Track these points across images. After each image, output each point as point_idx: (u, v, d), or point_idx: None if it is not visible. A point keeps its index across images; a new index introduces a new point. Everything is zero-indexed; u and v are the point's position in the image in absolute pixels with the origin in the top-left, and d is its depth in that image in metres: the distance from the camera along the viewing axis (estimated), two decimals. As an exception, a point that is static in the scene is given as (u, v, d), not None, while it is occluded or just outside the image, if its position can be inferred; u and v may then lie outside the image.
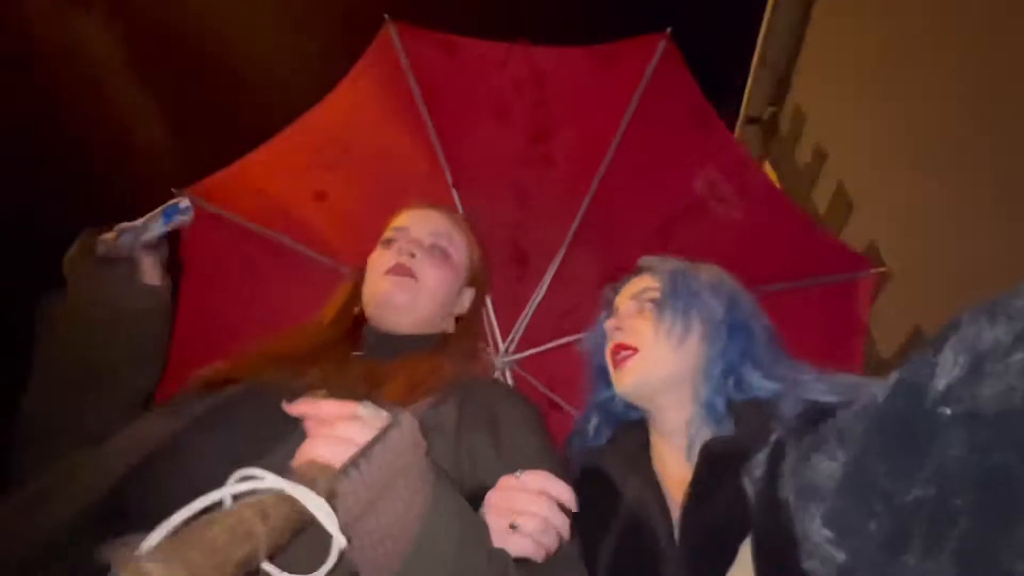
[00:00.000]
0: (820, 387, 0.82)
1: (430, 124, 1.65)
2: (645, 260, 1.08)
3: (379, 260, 0.99)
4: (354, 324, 1.01)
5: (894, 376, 0.47)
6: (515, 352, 1.87)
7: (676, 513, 0.82)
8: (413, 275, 0.95)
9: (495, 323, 1.84)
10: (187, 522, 0.39)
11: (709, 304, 0.96)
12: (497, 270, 1.85)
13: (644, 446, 0.96)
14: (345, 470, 0.49)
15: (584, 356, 1.13)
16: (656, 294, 0.98)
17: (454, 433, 0.78)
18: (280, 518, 0.42)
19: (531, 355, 1.85)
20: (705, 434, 0.87)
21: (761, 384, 0.88)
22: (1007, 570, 0.36)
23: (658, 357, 0.93)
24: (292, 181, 1.63)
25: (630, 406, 1.04)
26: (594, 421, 1.06)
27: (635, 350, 0.94)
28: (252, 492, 0.43)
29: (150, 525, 0.37)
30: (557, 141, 1.65)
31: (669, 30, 1.42)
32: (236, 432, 0.70)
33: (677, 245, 1.62)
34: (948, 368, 0.41)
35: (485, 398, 0.88)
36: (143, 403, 0.87)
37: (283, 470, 0.50)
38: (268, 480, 0.44)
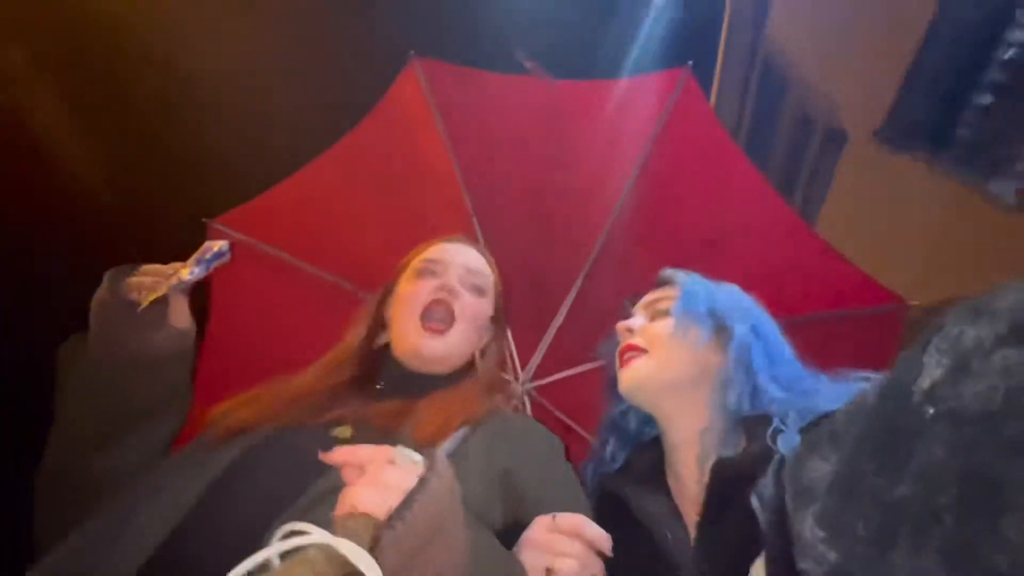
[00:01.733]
0: (829, 395, 0.82)
1: (452, 156, 1.69)
2: (666, 272, 1.08)
3: (415, 294, 0.96)
4: (374, 353, 0.99)
5: (883, 377, 0.48)
6: (534, 379, 1.88)
7: (693, 533, 0.82)
8: (452, 320, 0.94)
9: (514, 350, 1.84)
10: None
11: (729, 314, 0.95)
12: (516, 297, 1.86)
13: (658, 465, 0.95)
14: (389, 522, 0.50)
15: (601, 370, 1.13)
16: (671, 303, 0.98)
17: (484, 468, 0.79)
18: (328, 571, 0.43)
19: (550, 382, 1.84)
20: (717, 447, 0.86)
21: (777, 395, 0.86)
22: (990, 566, 0.37)
23: (666, 359, 0.92)
24: (319, 210, 1.67)
25: (643, 422, 1.03)
26: (610, 445, 1.05)
27: (643, 351, 0.93)
28: (298, 548, 0.44)
29: None
30: (577, 171, 1.68)
31: (690, 63, 1.44)
32: (264, 484, 0.70)
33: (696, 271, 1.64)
34: (932, 368, 0.42)
35: (511, 432, 0.89)
36: (168, 446, 0.86)
37: (326, 522, 0.51)
38: (315, 535, 0.45)
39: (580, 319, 1.83)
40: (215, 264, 0.84)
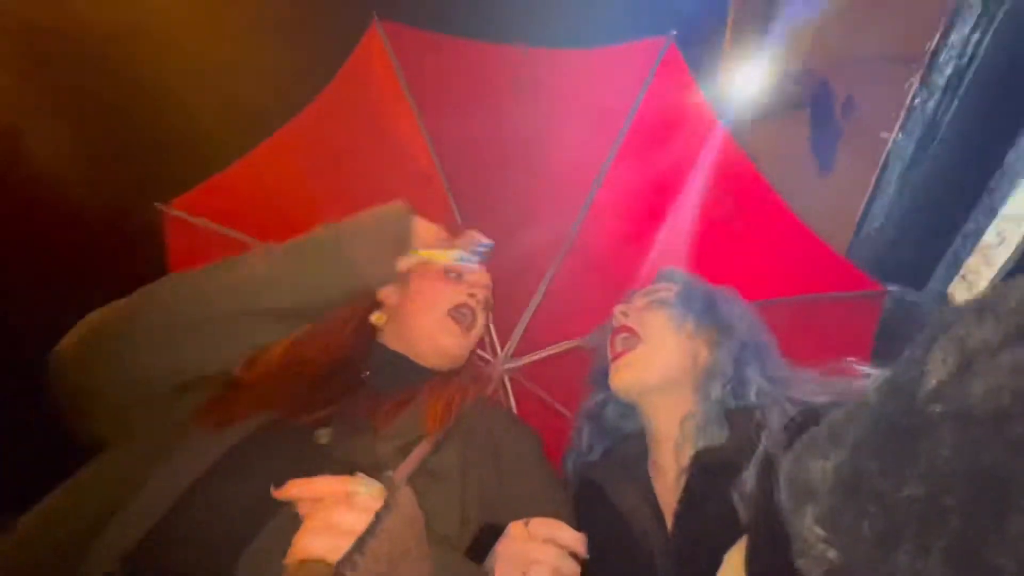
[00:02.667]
0: (812, 388, 0.84)
1: (423, 128, 1.59)
2: (667, 269, 1.10)
3: (445, 294, 0.97)
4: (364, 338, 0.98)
5: (884, 375, 0.48)
6: (514, 357, 1.86)
7: (670, 522, 0.83)
8: (473, 324, 1.00)
9: (493, 330, 1.81)
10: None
11: (722, 311, 0.96)
12: (494, 275, 1.82)
13: (641, 457, 0.97)
14: (339, 570, 0.47)
15: (586, 358, 1.14)
16: (668, 295, 0.99)
17: (459, 476, 0.78)
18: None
19: (530, 362, 1.82)
20: (700, 436, 0.87)
21: (763, 387, 0.88)
22: (996, 567, 0.37)
23: (659, 349, 0.93)
24: (282, 188, 1.57)
25: (622, 416, 1.04)
26: (586, 434, 1.06)
27: (638, 337, 0.94)
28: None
29: None
30: (555, 144, 1.60)
31: (674, 33, 1.35)
32: (248, 487, 0.68)
33: (678, 253, 1.60)
34: (937, 367, 0.42)
35: (488, 429, 0.89)
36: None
37: (280, 569, 0.48)
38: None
39: (559, 297, 1.80)
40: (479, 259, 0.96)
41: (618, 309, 1.01)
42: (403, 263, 0.91)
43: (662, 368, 0.92)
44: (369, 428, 0.79)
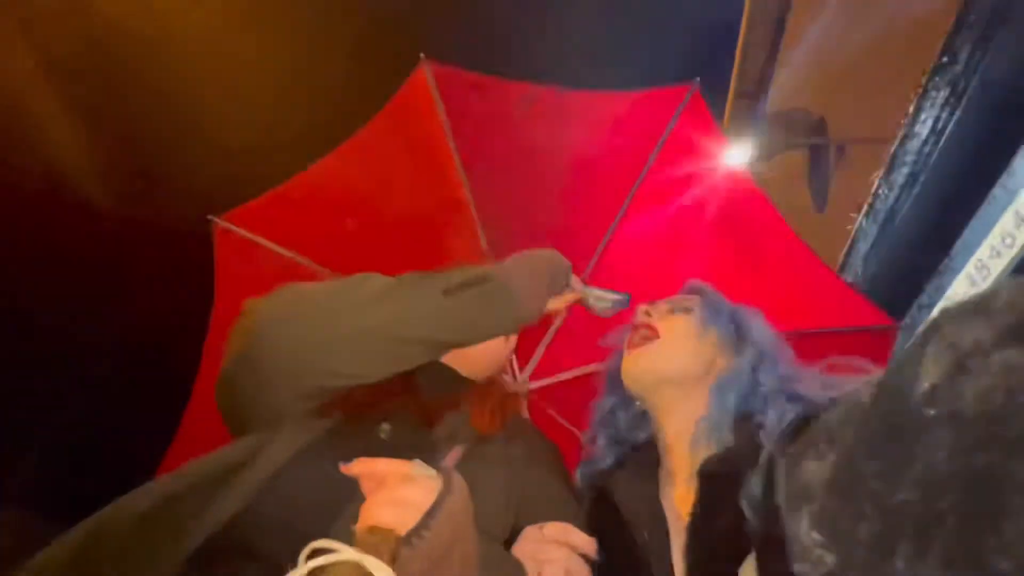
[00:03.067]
0: (815, 384, 0.84)
1: (458, 160, 1.70)
2: (694, 282, 1.11)
3: None
4: None
5: (878, 377, 0.48)
6: (531, 380, 1.91)
7: (675, 527, 0.83)
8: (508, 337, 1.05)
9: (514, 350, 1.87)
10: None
11: (745, 325, 0.97)
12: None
13: (652, 465, 0.96)
14: (408, 539, 0.53)
15: (590, 354, 1.14)
16: (690, 304, 1.00)
17: (503, 475, 0.84)
18: (354, 586, 0.46)
19: (548, 384, 1.88)
20: (709, 442, 0.87)
21: (772, 389, 0.88)
22: (994, 570, 0.37)
23: (676, 349, 0.93)
24: (327, 209, 1.68)
25: (633, 424, 1.03)
26: (600, 440, 1.05)
27: (657, 335, 0.94)
28: (325, 566, 0.48)
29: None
30: (580, 180, 1.70)
31: (698, 80, 1.46)
32: (323, 476, 0.72)
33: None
34: (930, 369, 0.41)
35: (520, 436, 0.96)
36: None
37: (348, 534, 0.54)
38: (342, 553, 0.48)
39: (578, 323, 1.86)
40: (614, 310, 1.02)
41: (641, 308, 1.01)
42: (553, 303, 0.98)
43: (677, 365, 0.92)
44: (423, 426, 0.86)
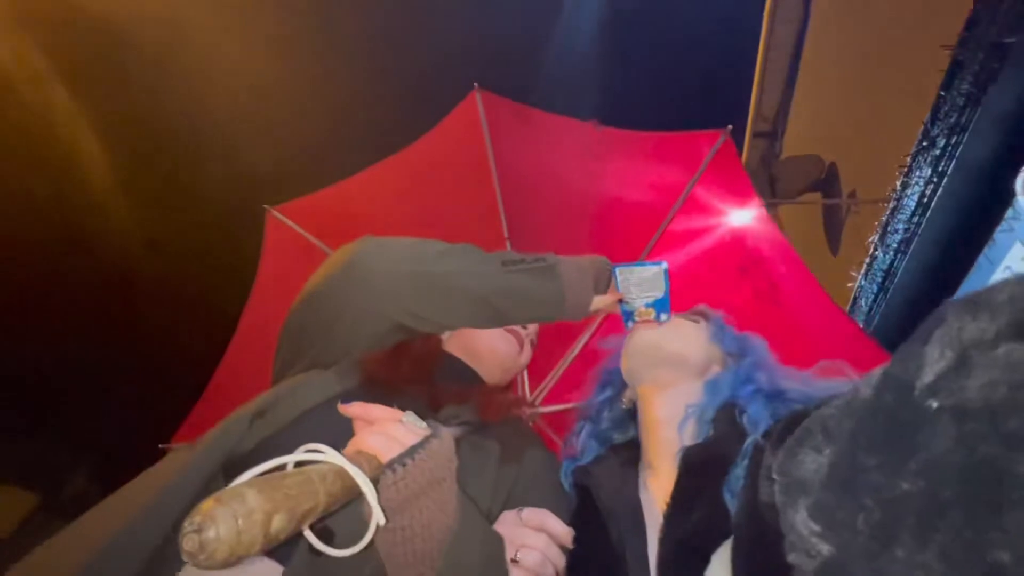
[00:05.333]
0: (797, 382, 0.85)
1: (497, 183, 1.81)
2: (701, 306, 1.12)
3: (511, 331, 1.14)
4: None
5: (880, 370, 0.47)
6: (541, 404, 1.92)
7: (654, 521, 0.82)
8: (521, 347, 1.13)
9: (525, 373, 1.90)
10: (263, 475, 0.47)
11: (750, 346, 0.98)
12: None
13: (632, 461, 0.95)
14: (390, 464, 0.57)
15: (597, 358, 1.14)
16: (696, 319, 1.03)
17: (498, 460, 0.86)
18: (336, 487, 0.50)
19: (556, 411, 1.88)
20: (693, 432, 0.87)
21: (757, 378, 0.89)
22: (993, 561, 0.36)
23: (682, 335, 0.97)
24: (370, 214, 1.81)
25: (616, 426, 1.04)
26: (582, 436, 1.06)
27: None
28: (314, 463, 0.52)
29: None
30: (611, 211, 1.77)
31: (730, 127, 1.54)
32: (337, 425, 0.75)
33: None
34: (934, 361, 0.41)
35: (519, 434, 0.98)
36: None
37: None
38: (329, 455, 0.53)
39: (592, 357, 1.88)
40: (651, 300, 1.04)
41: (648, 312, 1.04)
42: (597, 303, 1.02)
43: (681, 348, 0.95)
44: (429, 410, 0.89)
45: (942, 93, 1.86)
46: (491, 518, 0.80)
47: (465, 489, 0.70)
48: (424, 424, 0.67)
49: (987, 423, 0.38)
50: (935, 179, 1.84)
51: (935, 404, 0.41)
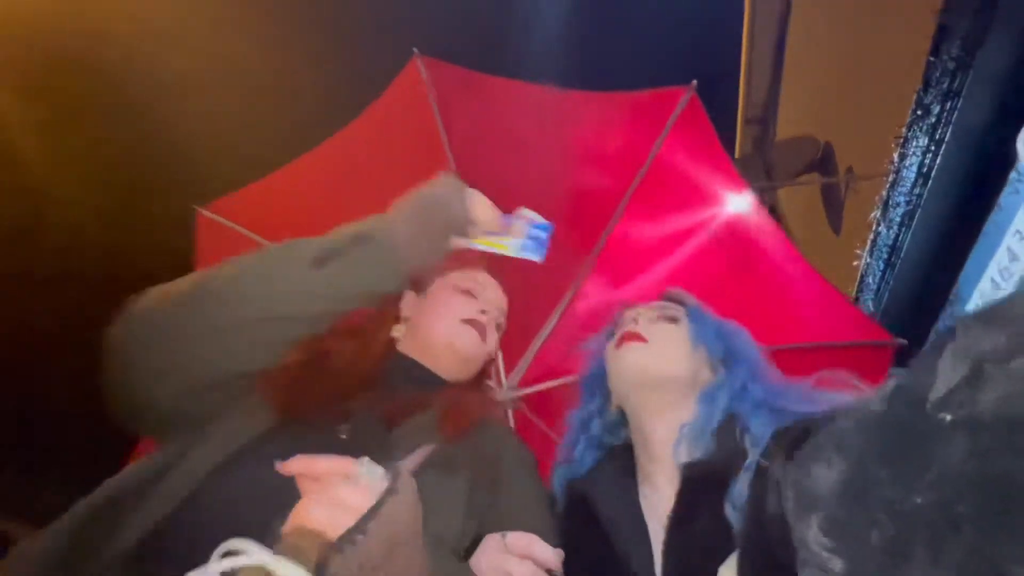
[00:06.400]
0: (797, 397, 0.83)
1: (450, 155, 1.67)
2: (674, 290, 1.08)
3: (458, 306, 1.00)
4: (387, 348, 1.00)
5: (891, 383, 0.47)
6: (519, 387, 1.85)
7: (656, 530, 0.82)
8: (484, 336, 0.99)
9: (500, 356, 1.82)
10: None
11: (732, 341, 0.96)
12: (507, 303, 1.84)
13: (628, 470, 0.95)
14: (339, 544, 0.47)
15: (581, 362, 1.10)
16: (676, 313, 0.98)
17: (465, 482, 0.79)
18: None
19: (534, 392, 1.82)
20: (691, 450, 0.86)
21: (755, 392, 0.87)
22: (1008, 575, 0.36)
23: (666, 354, 0.92)
24: (312, 201, 1.65)
25: (608, 430, 1.02)
26: (576, 446, 1.03)
27: (644, 340, 0.93)
28: (236, 570, 0.42)
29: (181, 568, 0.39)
30: (576, 179, 1.66)
31: (694, 83, 1.43)
32: (265, 478, 0.67)
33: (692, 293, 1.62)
34: (948, 374, 0.42)
35: (493, 440, 0.91)
36: None
37: (273, 536, 0.49)
38: (252, 556, 0.43)
39: (569, 330, 1.81)
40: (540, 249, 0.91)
41: (628, 314, 0.99)
42: (456, 244, 0.87)
43: (666, 368, 0.91)
44: (384, 427, 0.81)
45: (931, 59, 1.79)
46: (466, 537, 0.74)
47: (433, 521, 0.63)
48: (381, 472, 0.57)
49: (1001, 436, 0.38)
50: (933, 148, 1.80)
51: (948, 417, 0.41)
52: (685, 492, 0.81)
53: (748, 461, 0.72)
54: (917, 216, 1.94)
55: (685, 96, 1.43)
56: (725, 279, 1.45)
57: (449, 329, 0.97)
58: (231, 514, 0.62)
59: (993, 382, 0.39)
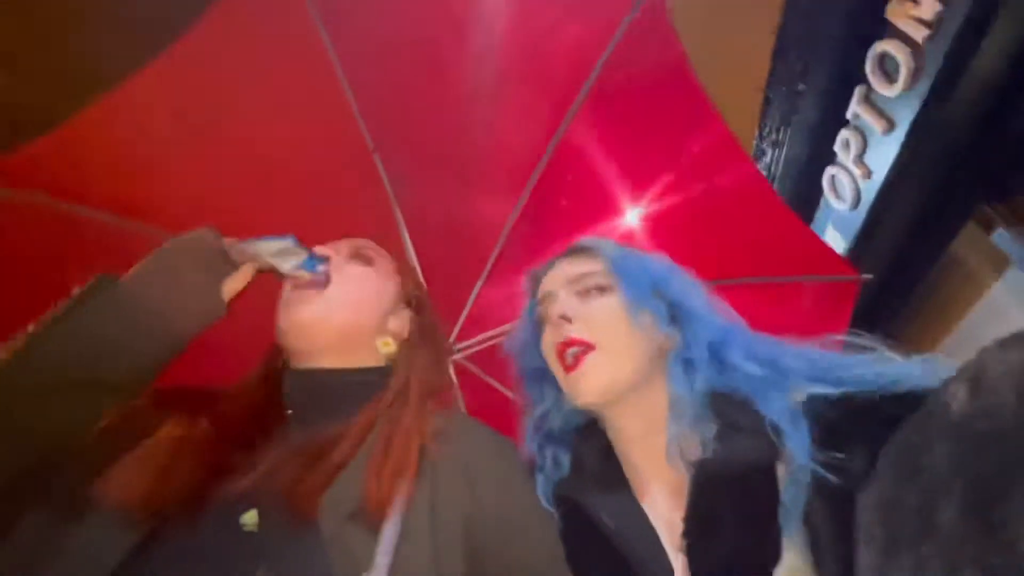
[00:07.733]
0: (802, 369, 0.77)
1: (340, 72, 1.25)
2: (582, 240, 0.93)
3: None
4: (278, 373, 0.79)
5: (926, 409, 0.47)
6: (458, 340, 1.66)
7: (665, 533, 0.76)
8: (326, 283, 0.78)
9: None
10: None
11: (671, 288, 0.84)
12: (434, 251, 1.56)
13: (609, 456, 0.86)
14: None
15: (510, 359, 0.95)
16: (602, 279, 0.84)
17: (429, 531, 0.66)
18: None
19: (479, 346, 1.64)
20: (685, 431, 0.77)
21: (743, 365, 0.79)
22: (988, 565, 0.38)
23: (621, 351, 0.80)
24: (139, 141, 1.15)
25: (567, 418, 0.92)
26: (548, 452, 0.92)
27: (591, 346, 0.80)
28: None
29: None
30: (506, 99, 1.35)
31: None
32: None
33: (644, 226, 1.48)
34: (957, 394, 0.43)
35: (455, 454, 0.74)
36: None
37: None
38: None
39: (508, 274, 1.61)
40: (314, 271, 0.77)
41: (554, 314, 0.83)
42: (230, 284, 0.74)
43: (630, 369, 0.80)
44: (296, 507, 0.62)
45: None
46: (439, 554, 0.64)
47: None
48: None
49: (985, 443, 0.40)
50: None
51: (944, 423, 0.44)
52: (698, 497, 0.72)
53: (799, 465, 0.66)
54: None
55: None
56: (685, 207, 1.32)
57: (278, 309, 0.78)
58: None
59: (985, 392, 0.41)
